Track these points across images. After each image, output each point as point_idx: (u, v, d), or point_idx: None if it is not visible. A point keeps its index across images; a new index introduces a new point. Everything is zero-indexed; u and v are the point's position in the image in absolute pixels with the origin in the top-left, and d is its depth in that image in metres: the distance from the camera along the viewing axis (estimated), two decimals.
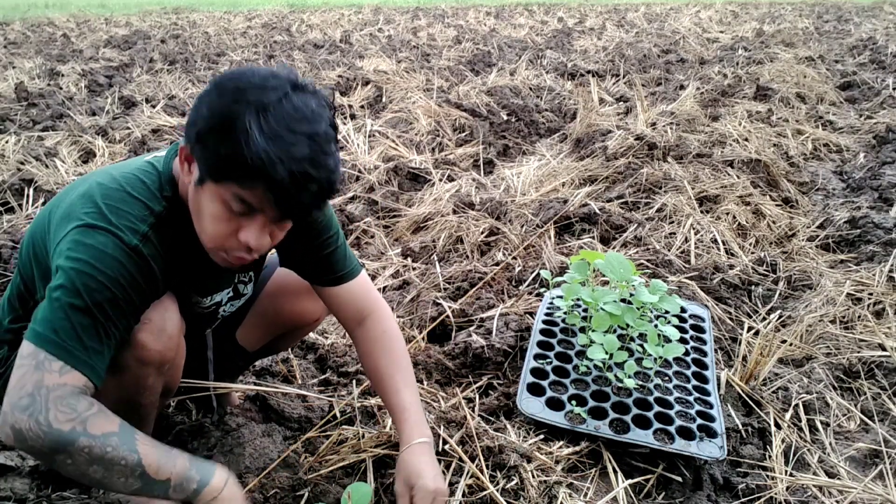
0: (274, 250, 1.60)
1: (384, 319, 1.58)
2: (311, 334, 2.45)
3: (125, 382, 1.26)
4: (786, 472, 1.76)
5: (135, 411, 1.24)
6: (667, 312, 2.17)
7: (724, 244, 3.09)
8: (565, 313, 2.20)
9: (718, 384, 2.00)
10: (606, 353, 1.85)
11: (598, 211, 3.27)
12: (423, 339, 2.34)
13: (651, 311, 2.17)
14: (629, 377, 1.85)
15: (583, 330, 2.10)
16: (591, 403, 1.81)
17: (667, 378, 1.95)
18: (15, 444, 1.14)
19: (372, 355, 1.55)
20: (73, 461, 1.13)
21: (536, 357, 2.00)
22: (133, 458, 1.15)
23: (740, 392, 2.03)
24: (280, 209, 1.19)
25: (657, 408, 1.80)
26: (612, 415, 1.77)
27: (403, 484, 1.40)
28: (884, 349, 2.28)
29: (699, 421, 1.77)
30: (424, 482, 1.37)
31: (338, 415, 1.92)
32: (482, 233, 3.23)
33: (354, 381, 2.12)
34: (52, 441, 1.11)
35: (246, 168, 1.12)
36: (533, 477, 1.56)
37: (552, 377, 1.92)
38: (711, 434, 1.72)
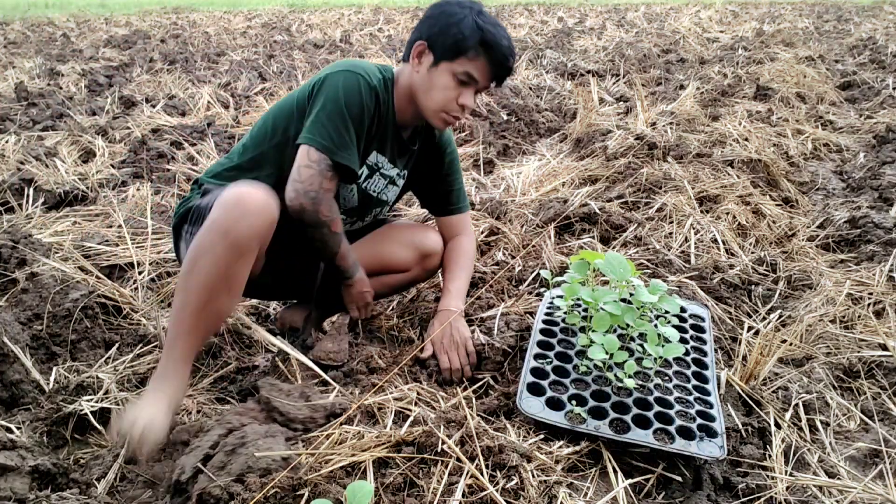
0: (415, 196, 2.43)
1: (468, 240, 2.36)
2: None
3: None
4: (786, 471, 1.76)
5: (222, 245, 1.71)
6: (667, 312, 2.17)
7: (724, 244, 3.09)
8: (565, 313, 2.20)
9: (718, 384, 2.00)
10: (606, 353, 1.85)
11: (598, 211, 3.26)
12: (422, 339, 2.33)
13: (651, 311, 2.17)
14: (629, 377, 1.85)
15: (583, 330, 2.10)
16: (591, 403, 1.80)
17: (667, 378, 1.95)
18: (293, 214, 1.86)
19: (449, 257, 2.32)
20: (315, 236, 1.94)
21: (536, 357, 2.00)
22: (337, 248, 2.00)
23: (740, 392, 2.03)
24: (493, 76, 1.92)
25: (657, 408, 1.80)
26: (612, 415, 1.76)
27: (438, 323, 2.09)
28: (884, 349, 2.28)
29: (699, 421, 1.77)
30: (458, 325, 2.09)
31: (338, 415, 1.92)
32: (482, 233, 3.23)
33: (355, 381, 2.11)
34: (315, 221, 1.88)
35: (479, 42, 1.84)
36: (533, 477, 1.56)
37: (552, 377, 1.92)
38: (711, 434, 1.72)
